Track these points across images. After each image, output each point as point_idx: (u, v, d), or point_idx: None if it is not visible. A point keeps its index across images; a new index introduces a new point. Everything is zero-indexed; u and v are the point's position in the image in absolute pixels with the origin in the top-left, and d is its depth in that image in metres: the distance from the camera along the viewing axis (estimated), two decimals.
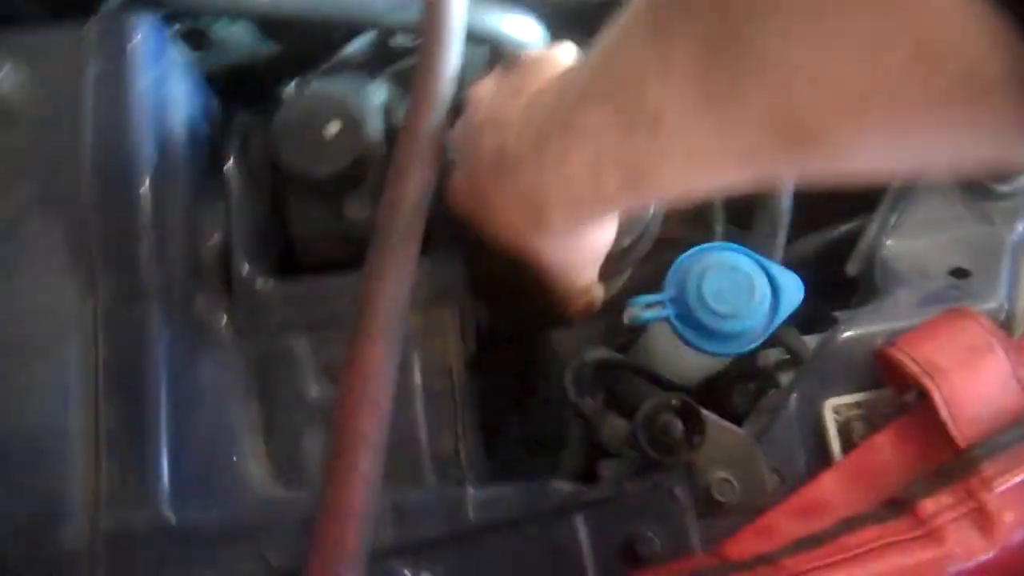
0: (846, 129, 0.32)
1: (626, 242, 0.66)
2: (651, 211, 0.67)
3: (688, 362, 0.65)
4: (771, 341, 0.63)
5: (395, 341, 0.46)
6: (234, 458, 0.58)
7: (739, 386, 0.70)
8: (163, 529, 0.52)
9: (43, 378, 0.54)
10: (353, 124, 0.62)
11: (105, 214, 0.56)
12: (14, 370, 0.53)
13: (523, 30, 0.68)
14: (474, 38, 0.62)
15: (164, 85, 0.61)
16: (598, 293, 0.62)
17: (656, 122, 0.39)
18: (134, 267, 0.56)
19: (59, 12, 0.65)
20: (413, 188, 0.49)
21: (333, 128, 0.62)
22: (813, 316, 0.64)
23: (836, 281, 0.68)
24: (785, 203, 0.66)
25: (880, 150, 0.33)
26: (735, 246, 0.60)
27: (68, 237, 0.56)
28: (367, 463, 0.43)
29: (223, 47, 0.78)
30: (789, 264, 0.64)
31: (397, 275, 0.47)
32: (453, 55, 0.54)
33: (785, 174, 0.42)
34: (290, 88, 0.66)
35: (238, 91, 0.77)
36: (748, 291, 0.58)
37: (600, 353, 0.67)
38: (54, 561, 0.51)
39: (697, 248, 0.60)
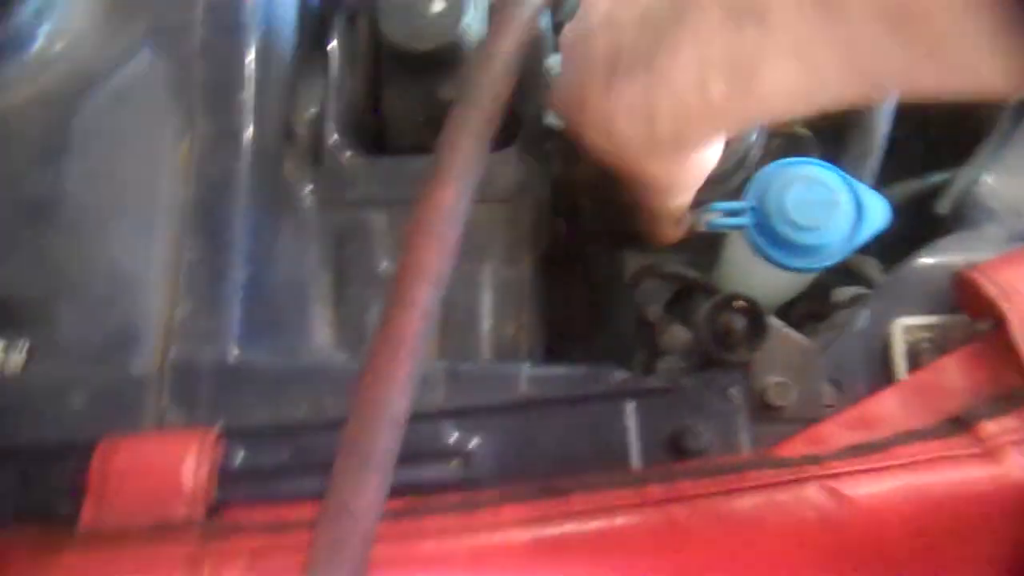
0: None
1: (727, 166, 0.65)
2: (752, 139, 0.66)
3: (761, 282, 0.64)
4: (849, 270, 0.61)
5: (467, 189, 0.47)
6: (303, 318, 0.61)
7: (809, 323, 0.69)
8: (228, 366, 0.54)
9: (133, 207, 0.56)
10: (456, 4, 0.63)
11: (211, 58, 0.58)
12: (109, 196, 0.56)
13: None
14: None
15: None
16: (690, 218, 0.62)
17: (763, 16, 0.40)
18: (231, 114, 0.58)
19: None
20: (506, 50, 0.49)
21: (437, 6, 0.63)
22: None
23: (926, 225, 0.66)
24: (881, 124, 0.64)
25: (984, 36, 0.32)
26: (822, 162, 0.59)
27: (173, 74, 0.58)
28: (426, 296, 0.43)
29: None
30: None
31: (477, 130, 0.48)
32: None
33: (892, 70, 0.41)
34: None
35: None
36: (831, 205, 0.57)
37: (672, 267, 0.67)
38: (122, 385, 0.53)
39: (783, 161, 0.59)
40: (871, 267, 0.63)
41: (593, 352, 0.79)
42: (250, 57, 0.58)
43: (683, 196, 0.59)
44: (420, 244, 0.44)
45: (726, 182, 0.66)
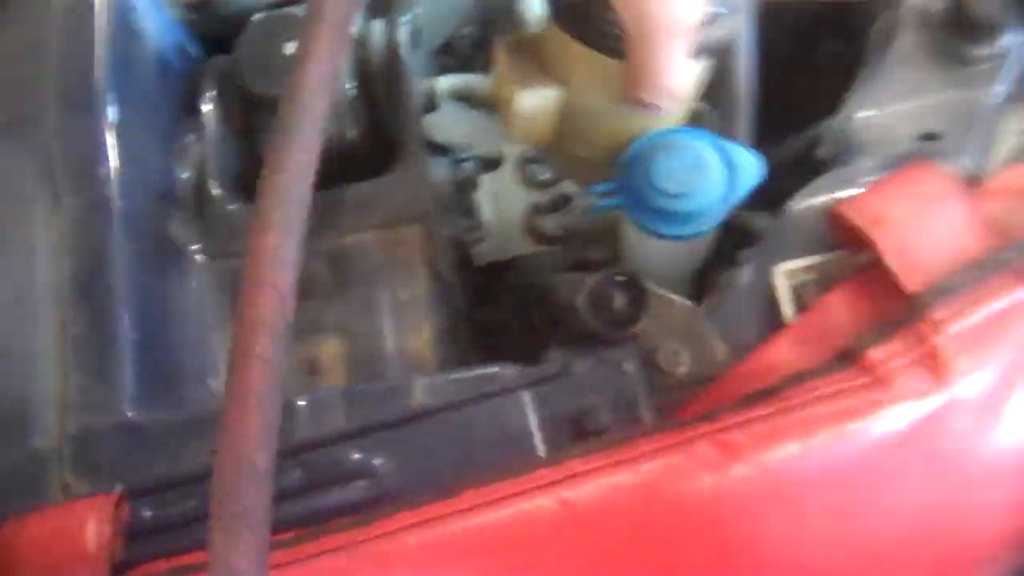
0: None
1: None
2: None
3: (657, 255, 0.64)
4: (732, 224, 0.61)
5: (293, 229, 0.46)
6: (203, 369, 0.61)
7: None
8: (125, 428, 0.54)
9: (14, 292, 0.57)
10: None
11: (68, 137, 0.59)
12: None
13: None
14: None
15: (130, 20, 0.64)
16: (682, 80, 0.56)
17: None
18: (96, 187, 0.59)
19: None
20: (314, 68, 0.49)
21: (289, 48, 0.64)
22: None
23: (817, 173, 0.66)
24: (741, 77, 0.65)
25: None
26: (689, 128, 0.59)
27: (34, 163, 0.59)
28: (266, 346, 0.43)
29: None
30: (777, 164, 0.62)
31: (293, 162, 0.47)
32: None
33: None
34: (257, 15, 0.68)
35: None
36: (699, 169, 0.57)
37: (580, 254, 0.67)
38: (24, 459, 0.53)
39: (653, 133, 0.60)
40: (764, 222, 0.63)
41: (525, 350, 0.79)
42: (106, 133, 0.59)
43: (678, 40, 0.54)
44: (253, 295, 0.44)
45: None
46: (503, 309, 0.77)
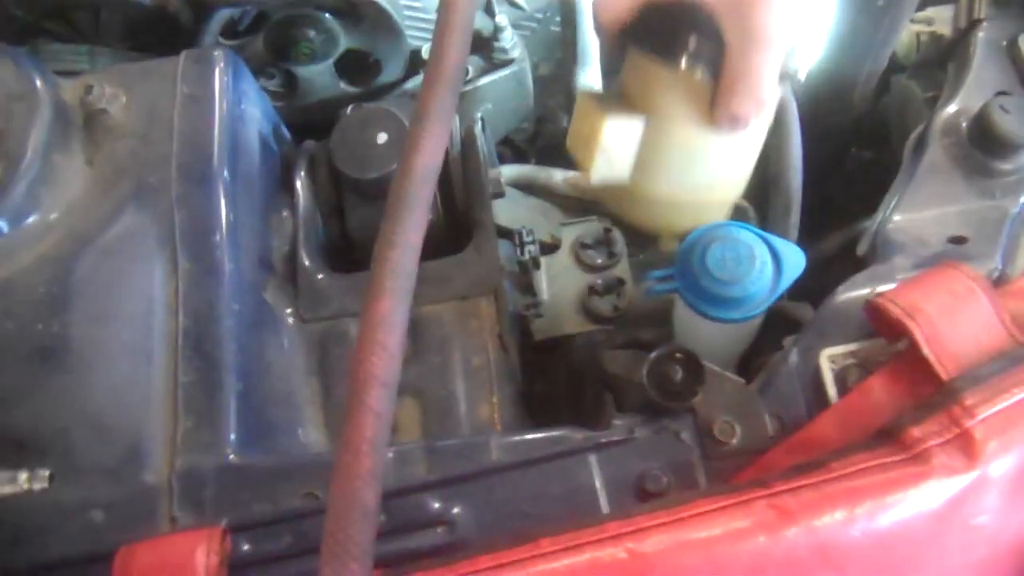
0: None
1: None
2: None
3: (707, 336, 0.70)
4: (778, 312, 0.67)
5: (403, 296, 0.52)
6: (294, 420, 0.67)
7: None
8: (228, 469, 0.60)
9: (132, 343, 0.63)
10: (399, 134, 0.71)
11: (187, 207, 0.66)
12: (109, 335, 0.63)
13: None
14: None
15: (240, 107, 0.72)
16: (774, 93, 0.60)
17: None
18: (209, 253, 0.65)
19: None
20: (422, 161, 0.56)
21: (381, 138, 0.72)
22: None
23: (856, 268, 0.72)
24: (793, 181, 0.72)
25: None
26: (740, 223, 0.66)
27: (156, 226, 0.66)
28: (377, 398, 0.49)
29: (309, 87, 0.90)
30: (816, 258, 0.69)
31: (404, 240, 0.54)
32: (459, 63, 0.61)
33: None
34: (348, 109, 0.76)
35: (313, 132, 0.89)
36: (748, 259, 0.63)
37: (631, 334, 0.73)
38: (137, 493, 0.59)
39: (704, 226, 0.66)
40: (807, 312, 0.69)
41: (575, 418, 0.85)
42: (221, 204, 0.66)
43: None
44: (367, 353, 0.50)
45: None
46: (556, 383, 0.82)
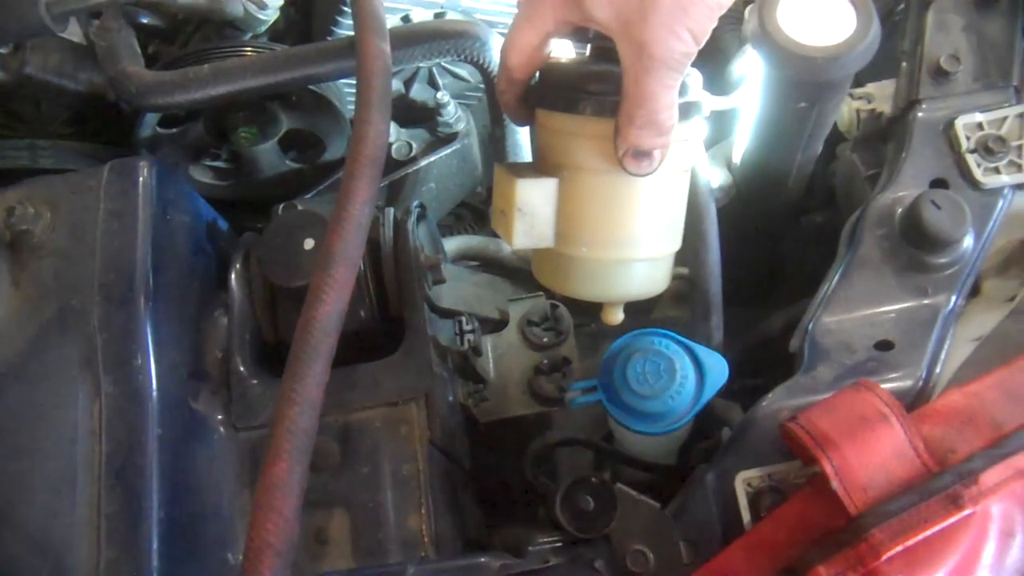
0: None
1: None
2: None
3: (639, 442, 0.70)
4: (716, 419, 0.67)
5: (301, 457, 0.52)
6: (225, 536, 0.67)
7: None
8: None
9: (56, 473, 0.63)
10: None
11: (109, 330, 0.66)
12: (31, 466, 0.63)
13: None
14: None
15: (166, 217, 0.72)
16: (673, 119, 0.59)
17: None
18: (132, 375, 0.65)
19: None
20: (324, 311, 0.56)
21: (308, 244, 0.72)
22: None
23: (784, 357, 0.72)
24: (714, 287, 0.71)
25: None
26: (664, 331, 0.65)
27: (79, 350, 0.66)
28: (272, 568, 0.49)
29: (255, 165, 0.90)
30: (756, 343, 0.68)
31: (304, 397, 0.54)
32: (367, 199, 0.61)
33: None
34: (279, 208, 0.76)
35: (252, 210, 0.89)
36: (669, 373, 0.63)
37: (559, 434, 0.73)
38: None
39: (629, 334, 0.66)
40: (736, 415, 0.68)
41: (524, 509, 0.85)
42: (144, 325, 0.66)
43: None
44: (262, 520, 0.50)
45: None
46: (503, 468, 0.82)
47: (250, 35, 0.85)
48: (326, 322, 0.55)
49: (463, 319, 0.81)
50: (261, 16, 0.83)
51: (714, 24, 0.54)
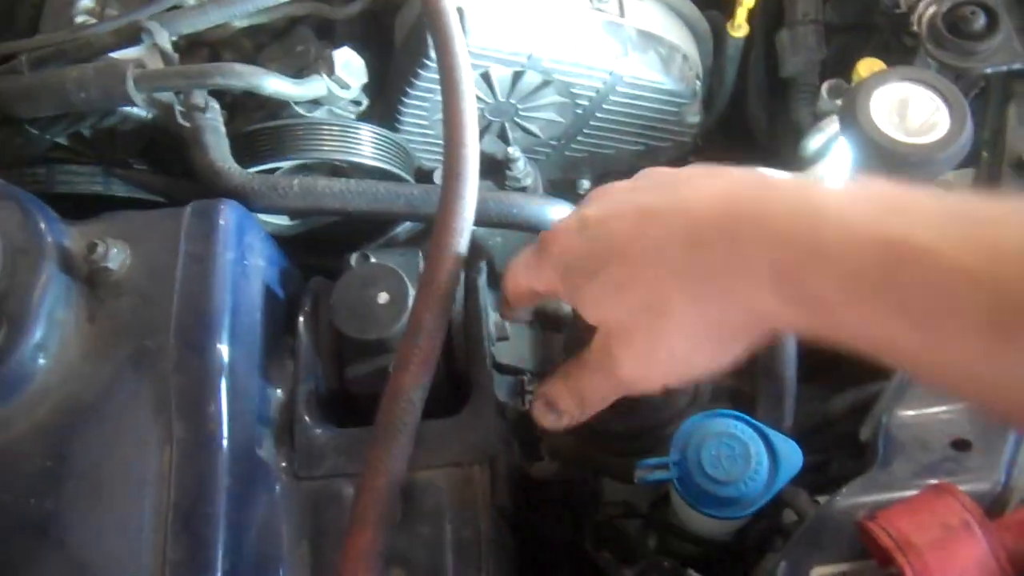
0: None
1: (680, 405, 0.71)
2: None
3: (701, 522, 0.70)
4: (779, 502, 0.66)
5: (384, 527, 0.53)
6: None
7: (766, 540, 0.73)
8: None
9: (124, 516, 0.63)
10: (400, 295, 0.71)
11: (184, 374, 0.66)
12: (99, 507, 0.63)
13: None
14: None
15: (244, 263, 0.72)
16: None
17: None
18: (204, 423, 0.65)
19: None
20: (410, 381, 0.56)
21: (382, 298, 0.72)
22: (834, 477, 0.68)
23: (855, 444, 0.71)
24: (787, 370, 0.70)
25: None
26: (737, 414, 0.65)
27: (153, 392, 0.66)
28: None
29: None
30: (819, 424, 0.68)
31: (389, 467, 0.54)
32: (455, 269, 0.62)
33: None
34: (352, 258, 0.76)
35: (323, 251, 0.89)
36: (744, 458, 0.63)
37: (617, 506, 0.72)
38: None
39: (701, 415, 0.65)
40: (802, 500, 0.68)
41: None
42: (219, 372, 0.66)
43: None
44: None
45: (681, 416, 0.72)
46: (554, 527, 0.82)
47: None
48: (412, 393, 0.56)
49: (525, 378, 0.81)
50: (344, 95, 0.86)
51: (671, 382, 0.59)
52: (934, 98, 0.66)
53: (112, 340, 0.68)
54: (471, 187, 0.64)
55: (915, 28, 0.78)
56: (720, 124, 1.07)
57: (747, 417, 0.65)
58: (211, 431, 0.65)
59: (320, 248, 0.90)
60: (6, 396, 0.65)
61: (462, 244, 0.62)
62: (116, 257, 0.70)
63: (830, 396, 0.81)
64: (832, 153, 0.78)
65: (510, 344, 0.84)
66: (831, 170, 0.75)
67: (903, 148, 0.64)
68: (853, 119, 0.66)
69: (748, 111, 1.04)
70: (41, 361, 0.66)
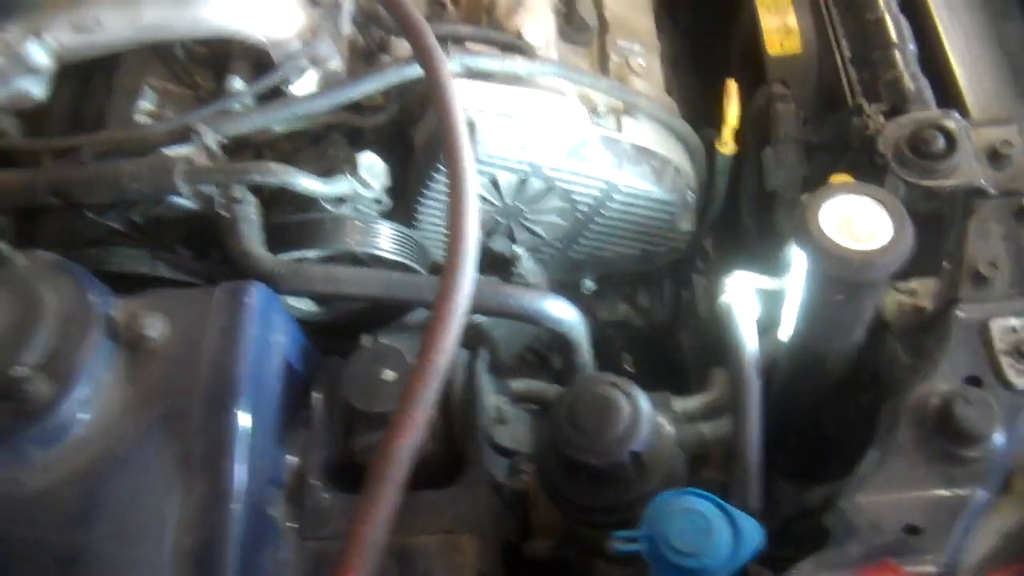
0: None
1: None
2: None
3: None
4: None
5: (368, 573, 0.58)
6: None
7: None
8: None
9: (144, 558, 0.70)
10: (405, 374, 0.78)
11: (207, 435, 0.74)
12: (125, 548, 0.70)
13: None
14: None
15: (268, 339, 0.80)
16: None
17: None
18: (222, 478, 0.72)
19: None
20: (400, 443, 0.63)
21: (389, 375, 0.79)
22: None
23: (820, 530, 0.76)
24: (753, 456, 0.76)
25: None
26: (703, 493, 0.71)
27: (178, 449, 0.73)
28: None
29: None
30: (796, 515, 0.73)
31: (376, 517, 0.60)
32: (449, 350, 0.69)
33: None
34: (364, 339, 0.84)
35: (342, 336, 0.97)
36: (706, 532, 0.68)
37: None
38: None
39: (671, 492, 0.71)
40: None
41: None
42: (239, 435, 0.73)
43: None
44: None
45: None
46: None
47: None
48: (401, 454, 0.62)
49: (520, 459, 0.87)
50: (367, 194, 0.95)
51: None
52: (878, 209, 0.73)
53: (146, 400, 0.76)
54: (467, 277, 0.72)
55: (882, 149, 0.86)
56: (716, 231, 1.16)
57: (713, 496, 0.71)
58: (227, 487, 0.72)
59: (339, 333, 0.98)
60: (50, 444, 0.72)
61: (456, 326, 0.69)
62: (154, 327, 0.78)
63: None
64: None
65: (509, 427, 0.90)
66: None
67: (847, 253, 0.71)
68: (803, 226, 0.73)
69: (740, 220, 1.13)
70: (83, 415, 0.74)
